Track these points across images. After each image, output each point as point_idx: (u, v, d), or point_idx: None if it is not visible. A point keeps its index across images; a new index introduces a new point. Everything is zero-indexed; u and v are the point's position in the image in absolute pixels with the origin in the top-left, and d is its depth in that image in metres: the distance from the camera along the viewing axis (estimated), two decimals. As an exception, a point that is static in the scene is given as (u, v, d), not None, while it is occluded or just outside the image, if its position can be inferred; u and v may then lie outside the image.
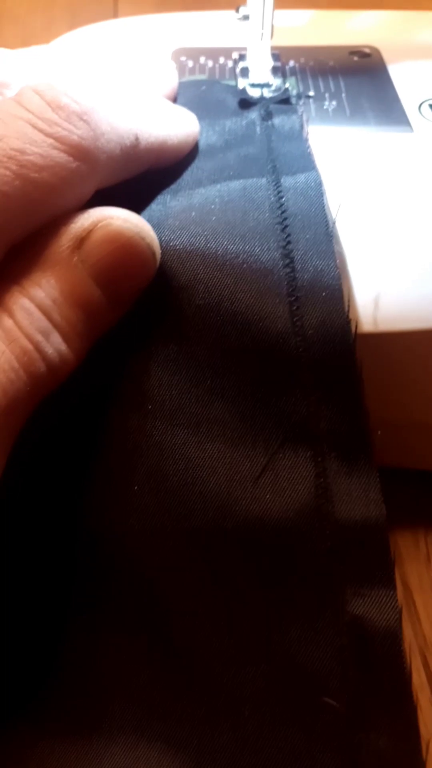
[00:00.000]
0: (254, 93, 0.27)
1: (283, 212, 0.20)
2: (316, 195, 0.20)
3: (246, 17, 0.28)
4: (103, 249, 0.17)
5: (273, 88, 0.27)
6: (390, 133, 0.26)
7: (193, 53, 0.32)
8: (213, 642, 0.18)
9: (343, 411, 0.18)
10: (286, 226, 0.19)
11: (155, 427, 0.18)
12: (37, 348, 0.16)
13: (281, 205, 0.20)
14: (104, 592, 0.19)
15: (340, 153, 0.25)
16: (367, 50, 0.31)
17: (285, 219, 0.19)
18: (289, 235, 0.19)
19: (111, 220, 0.18)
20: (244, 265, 0.19)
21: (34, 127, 0.17)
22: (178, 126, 0.22)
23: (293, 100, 0.26)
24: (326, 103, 0.28)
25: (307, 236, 0.19)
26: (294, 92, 0.27)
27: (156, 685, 0.18)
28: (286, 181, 0.21)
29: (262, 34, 0.27)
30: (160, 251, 0.19)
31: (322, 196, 0.20)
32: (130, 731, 0.18)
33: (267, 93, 0.27)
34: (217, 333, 0.19)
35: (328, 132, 0.26)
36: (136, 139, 0.19)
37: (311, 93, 0.28)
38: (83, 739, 0.18)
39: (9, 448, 0.17)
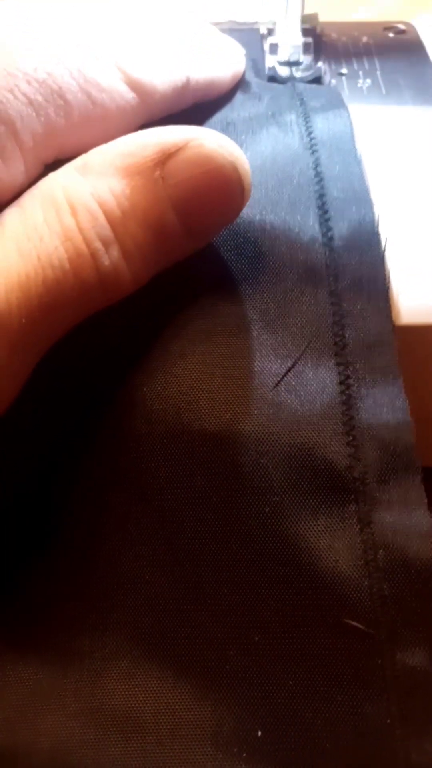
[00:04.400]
0: (283, 72, 0.25)
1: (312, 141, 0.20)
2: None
3: (275, -9, 0.27)
4: (189, 171, 0.16)
5: (304, 66, 0.26)
6: (429, 111, 0.25)
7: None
8: (221, 554, 0.17)
9: (369, 321, 0.18)
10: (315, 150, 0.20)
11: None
12: (93, 255, 0.16)
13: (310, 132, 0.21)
14: (112, 498, 0.18)
15: (377, 132, 0.23)
16: (402, 26, 0.30)
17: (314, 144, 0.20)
18: (317, 152, 0.20)
19: (204, 142, 0.16)
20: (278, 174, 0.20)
21: (98, 59, 0.18)
22: (225, 66, 0.22)
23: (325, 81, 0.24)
24: (360, 81, 0.26)
25: (335, 159, 0.20)
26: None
27: (154, 605, 0.17)
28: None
29: (291, 8, 0.25)
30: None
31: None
32: (125, 659, 0.17)
33: (297, 72, 0.25)
34: (248, 243, 0.18)
35: (363, 111, 0.25)
36: (187, 80, 0.20)
37: (344, 71, 0.27)
38: (73, 667, 0.17)
39: (41, 353, 0.16)
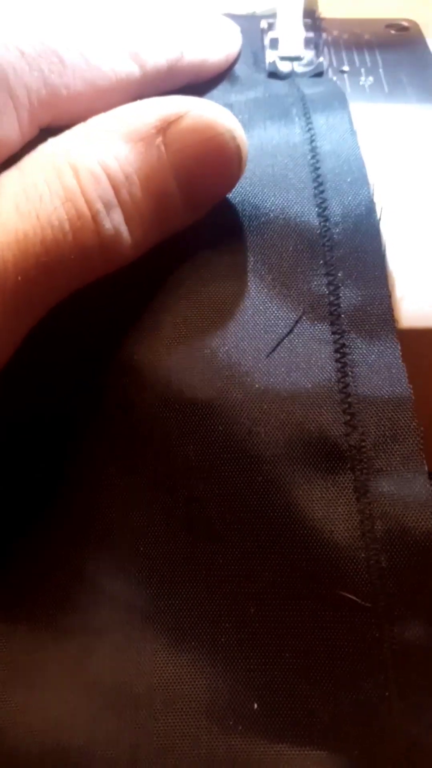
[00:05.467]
0: (284, 67, 0.25)
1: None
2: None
3: (276, -16, 0.26)
4: (189, 138, 0.16)
5: (305, 61, 0.25)
6: (433, 110, 0.24)
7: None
8: (214, 525, 0.16)
9: (365, 290, 0.18)
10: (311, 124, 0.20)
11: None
12: (95, 218, 0.15)
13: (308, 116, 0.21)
14: (106, 468, 0.17)
15: (379, 131, 0.23)
16: (404, 23, 0.29)
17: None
18: (312, 129, 0.20)
19: (203, 111, 0.17)
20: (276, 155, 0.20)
21: (93, 24, 0.18)
22: (218, 46, 0.23)
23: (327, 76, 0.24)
24: (362, 78, 0.26)
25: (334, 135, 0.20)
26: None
27: (147, 577, 0.17)
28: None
29: (292, 2, 0.25)
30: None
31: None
32: (118, 633, 0.17)
33: (298, 67, 0.25)
34: (242, 216, 0.19)
35: (365, 109, 0.24)
36: (181, 56, 0.20)
37: (346, 68, 0.26)
38: (65, 642, 0.17)
39: (38, 316, 0.16)
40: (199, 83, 0.22)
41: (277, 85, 0.23)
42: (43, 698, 0.16)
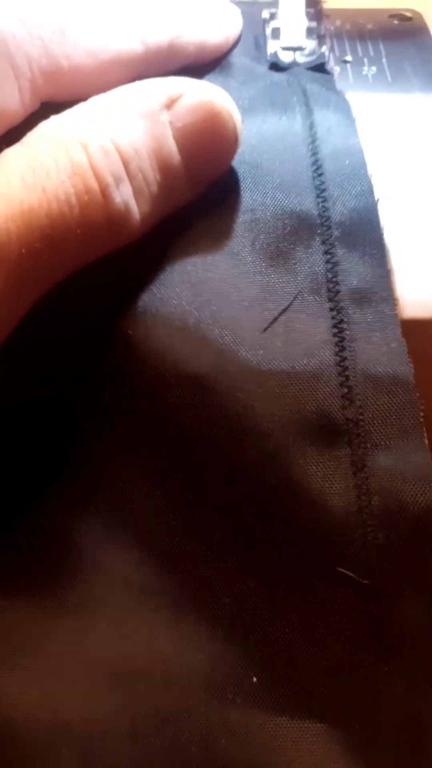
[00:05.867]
0: (286, 57, 0.24)
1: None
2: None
3: (278, -27, 0.26)
4: (192, 114, 0.17)
5: (307, 51, 0.25)
6: (437, 100, 0.24)
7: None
8: (211, 499, 0.16)
9: (363, 268, 0.18)
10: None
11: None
12: (104, 192, 0.15)
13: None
14: (103, 444, 0.18)
15: (382, 122, 0.23)
16: (408, 13, 0.29)
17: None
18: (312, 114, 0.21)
19: (204, 90, 0.17)
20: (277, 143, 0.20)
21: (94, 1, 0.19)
22: (217, 28, 0.23)
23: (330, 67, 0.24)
24: (365, 68, 0.25)
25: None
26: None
27: (146, 552, 0.17)
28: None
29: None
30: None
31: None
32: (116, 609, 0.17)
33: (300, 57, 0.24)
34: (241, 196, 0.19)
35: (368, 99, 0.24)
36: (180, 37, 0.20)
37: (349, 58, 0.26)
38: (63, 617, 0.17)
39: (42, 290, 0.16)
40: (200, 66, 0.22)
41: (278, 76, 0.23)
42: (42, 674, 0.16)
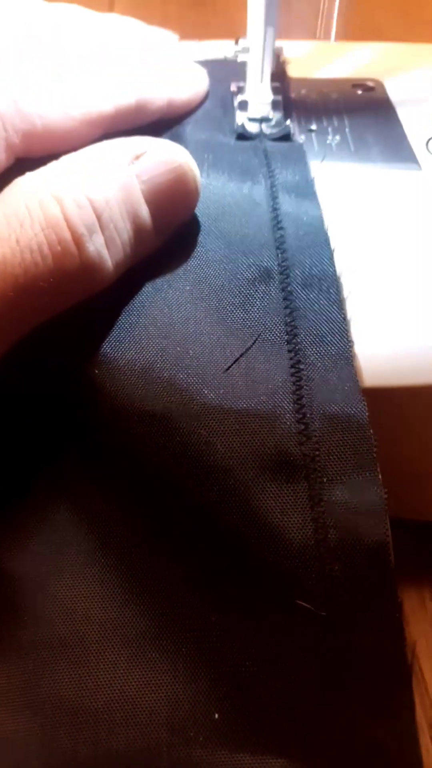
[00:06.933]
0: (252, 128, 0.25)
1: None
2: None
3: (246, 50, 0.27)
4: (156, 168, 0.18)
5: (273, 122, 0.26)
6: (397, 171, 0.25)
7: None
8: (173, 533, 0.17)
9: (321, 312, 0.19)
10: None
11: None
12: (78, 242, 0.16)
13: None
14: (73, 478, 0.18)
15: (345, 191, 0.24)
16: (370, 83, 0.30)
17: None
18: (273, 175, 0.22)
19: (166, 147, 0.19)
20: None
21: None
22: (183, 86, 0.25)
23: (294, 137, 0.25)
24: (329, 137, 0.27)
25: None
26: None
27: (106, 587, 0.17)
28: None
29: (263, 71, 0.26)
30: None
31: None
32: (75, 647, 0.17)
33: (266, 128, 0.26)
34: (203, 247, 0.20)
35: (331, 168, 0.25)
36: (144, 98, 0.22)
37: (314, 127, 0.27)
38: (18, 658, 0.16)
39: (17, 336, 0.16)
40: (170, 120, 0.24)
41: (246, 150, 0.24)
42: None
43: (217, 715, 0.16)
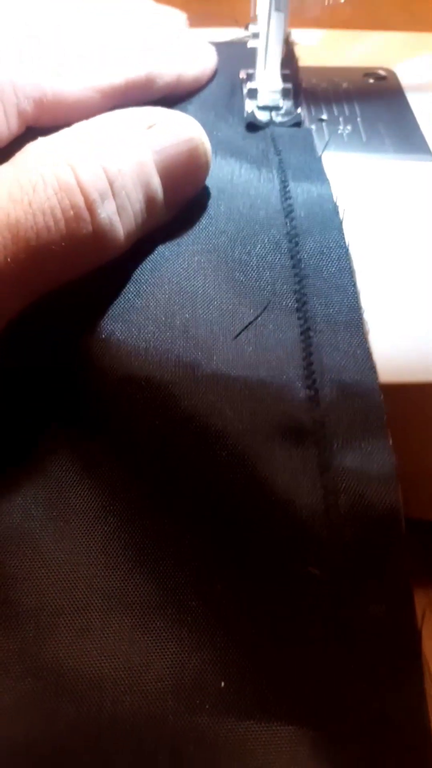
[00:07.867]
0: (262, 116, 0.25)
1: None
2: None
3: (256, 35, 0.26)
4: (169, 139, 0.18)
5: (283, 111, 0.25)
6: (409, 162, 0.24)
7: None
8: (181, 500, 0.16)
9: (331, 280, 0.18)
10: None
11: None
12: (90, 208, 0.16)
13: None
14: (78, 444, 0.18)
15: (356, 182, 0.23)
16: (382, 72, 0.30)
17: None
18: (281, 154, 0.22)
19: (179, 118, 0.19)
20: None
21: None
22: (193, 63, 0.25)
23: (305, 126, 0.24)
24: (341, 127, 0.26)
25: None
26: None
27: (112, 554, 0.17)
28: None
29: (270, 54, 0.25)
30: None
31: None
32: (79, 615, 0.16)
33: (276, 117, 0.25)
34: (215, 220, 0.20)
35: (342, 159, 0.24)
36: (153, 73, 0.22)
37: (324, 117, 0.26)
38: (17, 625, 0.16)
39: (25, 301, 0.16)
40: (179, 97, 0.24)
41: (256, 137, 0.24)
42: None
43: (223, 684, 0.16)
